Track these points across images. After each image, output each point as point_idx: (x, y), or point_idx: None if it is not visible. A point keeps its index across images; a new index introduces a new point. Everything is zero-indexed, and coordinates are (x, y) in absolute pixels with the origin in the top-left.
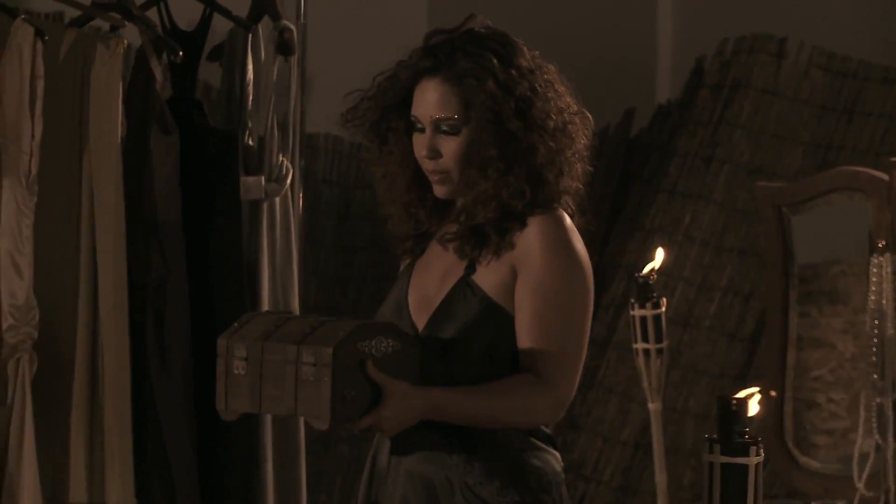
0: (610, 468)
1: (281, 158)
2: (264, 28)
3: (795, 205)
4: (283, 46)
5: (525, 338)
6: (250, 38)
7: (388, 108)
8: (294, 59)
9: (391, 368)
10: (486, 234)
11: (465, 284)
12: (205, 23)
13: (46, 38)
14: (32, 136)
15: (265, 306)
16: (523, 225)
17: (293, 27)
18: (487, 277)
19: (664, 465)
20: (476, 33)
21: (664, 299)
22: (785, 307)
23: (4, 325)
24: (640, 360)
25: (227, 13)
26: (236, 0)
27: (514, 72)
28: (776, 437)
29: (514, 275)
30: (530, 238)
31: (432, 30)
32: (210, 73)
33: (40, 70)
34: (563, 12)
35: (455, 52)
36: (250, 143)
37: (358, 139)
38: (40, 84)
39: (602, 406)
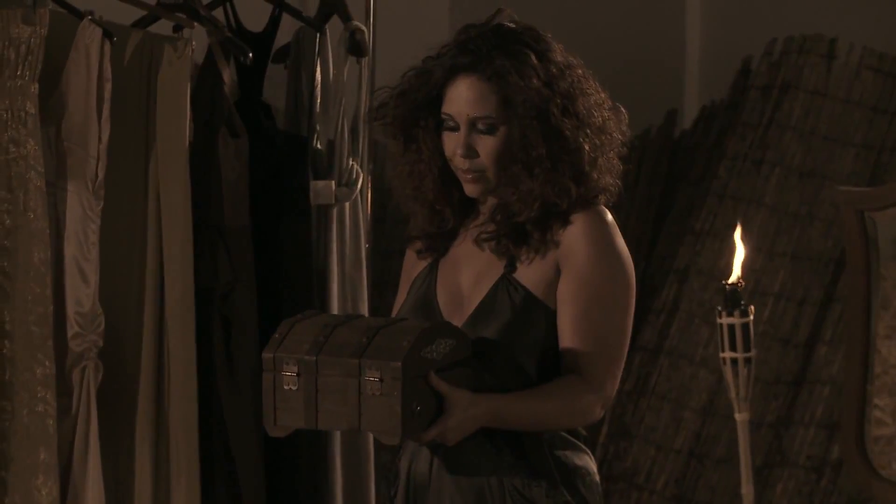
0: (664, 477)
1: (351, 162)
2: (333, 29)
3: (879, 209)
4: (356, 47)
5: (569, 336)
6: (318, 39)
7: (418, 105)
8: (365, 61)
9: (450, 372)
10: (528, 232)
11: (508, 282)
12: (273, 24)
13: (115, 39)
14: (100, 140)
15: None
16: (566, 222)
17: (364, 28)
18: (530, 275)
19: (751, 476)
20: (509, 29)
21: (752, 307)
22: (867, 312)
23: (70, 333)
24: (728, 369)
25: (296, 13)
26: (301, 1)
27: (552, 68)
28: (856, 445)
29: (557, 272)
30: (575, 235)
31: (464, 25)
32: (276, 76)
33: (108, 72)
34: (595, 13)
35: (491, 49)
36: (319, 146)
37: (387, 136)
38: (108, 87)
39: (654, 414)
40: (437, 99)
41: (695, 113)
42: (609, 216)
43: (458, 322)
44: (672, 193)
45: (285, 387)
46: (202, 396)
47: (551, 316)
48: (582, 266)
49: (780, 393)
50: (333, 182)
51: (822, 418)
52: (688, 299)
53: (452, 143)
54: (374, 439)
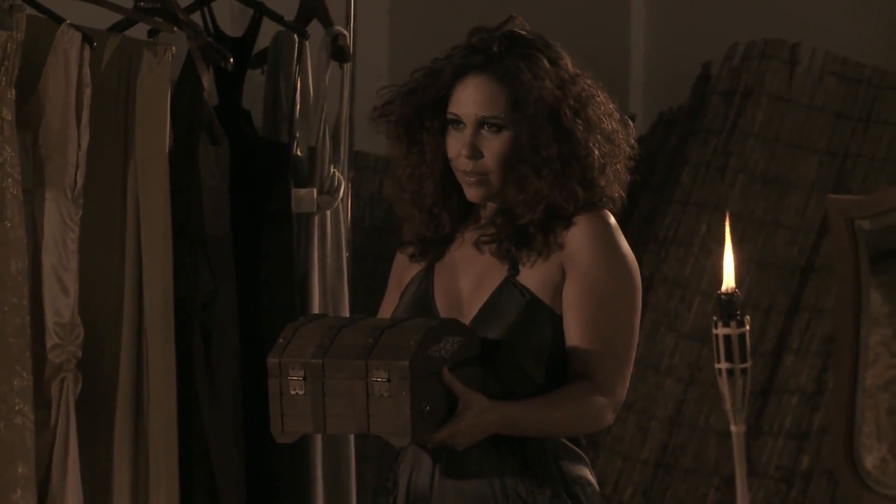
0: (630, 488)
1: (332, 170)
2: (312, 33)
3: (869, 218)
4: (339, 53)
5: (578, 340)
6: (297, 44)
7: (424, 105)
8: (346, 66)
9: (460, 371)
10: (530, 235)
11: (512, 285)
12: (253, 28)
13: (95, 44)
14: (79, 147)
15: None
16: (569, 224)
17: (346, 32)
18: (533, 277)
19: (746, 489)
20: (520, 34)
21: (748, 317)
22: (856, 324)
23: (49, 345)
24: (724, 380)
25: (278, 18)
26: (276, 4)
27: (563, 73)
28: (845, 457)
29: (562, 274)
30: (579, 237)
31: (474, 27)
32: (251, 81)
33: (87, 78)
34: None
35: (503, 50)
36: (299, 153)
37: (389, 137)
38: (87, 92)
39: (620, 424)
40: (443, 100)
41: (651, 119)
42: (612, 218)
43: None
44: (632, 200)
45: (292, 392)
46: (182, 407)
47: (557, 319)
48: (588, 268)
49: (747, 402)
50: (315, 190)
51: (790, 428)
52: (652, 308)
53: (457, 144)
54: (355, 447)
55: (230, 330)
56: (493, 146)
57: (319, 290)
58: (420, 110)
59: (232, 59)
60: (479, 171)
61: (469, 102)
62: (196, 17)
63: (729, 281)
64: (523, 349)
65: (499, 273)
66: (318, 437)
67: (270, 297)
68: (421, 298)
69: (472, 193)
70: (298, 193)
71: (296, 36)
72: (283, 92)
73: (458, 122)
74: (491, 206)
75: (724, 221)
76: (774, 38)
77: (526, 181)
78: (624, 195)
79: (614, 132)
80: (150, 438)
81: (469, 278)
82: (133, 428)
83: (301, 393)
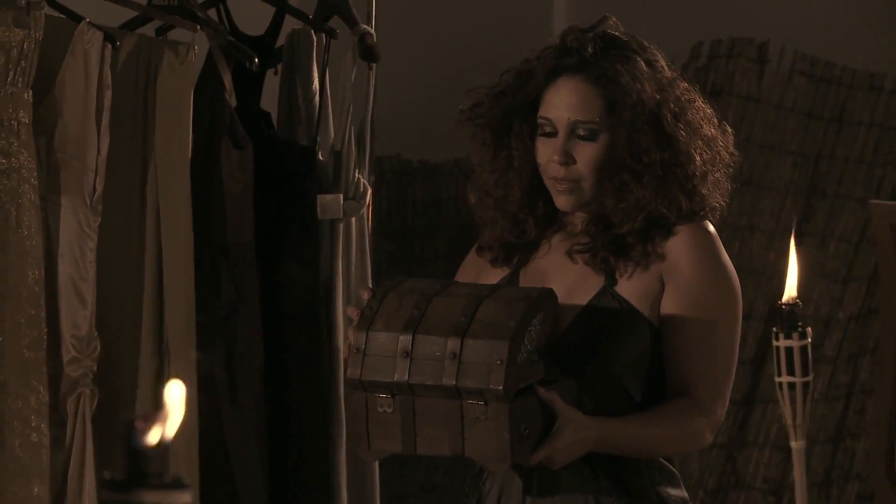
0: None
1: (357, 175)
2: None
3: None
4: (368, 52)
5: (678, 355)
6: (317, 43)
7: (513, 108)
8: (374, 68)
9: (553, 385)
10: (629, 245)
11: (610, 296)
12: (274, 26)
13: (119, 44)
14: (98, 152)
15: (340, 335)
16: (669, 233)
17: (373, 31)
18: (631, 288)
19: None
20: (615, 35)
21: (809, 329)
22: None
23: (66, 358)
24: (785, 394)
25: (302, 16)
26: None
27: (661, 76)
28: (886, 467)
29: (661, 285)
30: (681, 248)
31: (568, 27)
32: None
33: (108, 79)
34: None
35: (597, 52)
36: (321, 157)
37: (475, 141)
38: (108, 94)
39: None
40: (534, 104)
41: None
42: (713, 228)
43: (551, 337)
44: None
45: (379, 409)
46: (203, 424)
47: (654, 331)
48: (690, 282)
49: (730, 412)
50: (341, 196)
51: (776, 439)
52: None
53: (548, 150)
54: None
55: (253, 343)
56: (587, 152)
57: (344, 298)
58: (509, 113)
59: (257, 59)
60: (570, 177)
61: (562, 106)
62: (211, 14)
63: (791, 291)
64: (621, 362)
65: (594, 282)
66: (342, 456)
67: (295, 307)
68: None
69: (562, 201)
70: (324, 200)
71: (314, 34)
72: (300, 93)
73: (549, 126)
74: (578, 213)
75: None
76: (742, 36)
77: (626, 189)
78: (724, 205)
79: (714, 139)
80: (170, 457)
81: (560, 287)
82: None
83: (390, 411)
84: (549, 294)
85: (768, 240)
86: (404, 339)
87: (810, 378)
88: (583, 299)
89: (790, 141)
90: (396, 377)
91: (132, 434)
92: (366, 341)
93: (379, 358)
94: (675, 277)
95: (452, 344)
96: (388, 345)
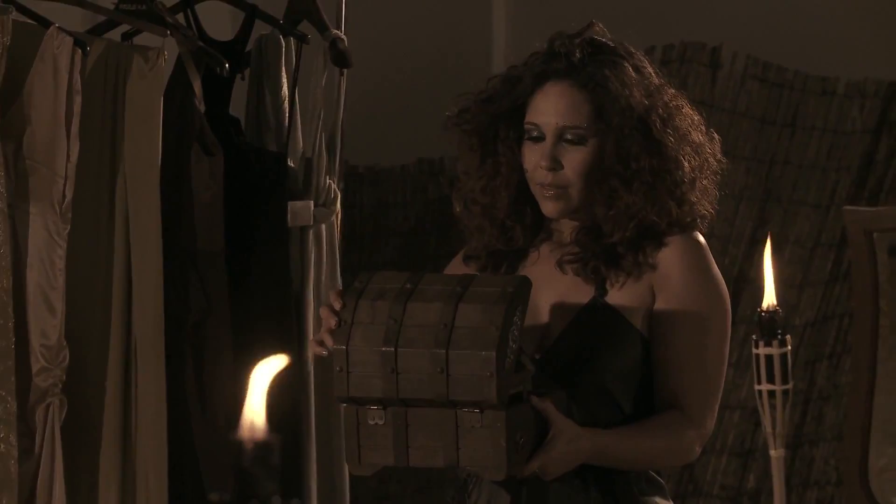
0: None
1: (328, 181)
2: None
3: (888, 231)
4: (340, 58)
5: (669, 368)
6: (289, 49)
7: (500, 114)
8: (345, 73)
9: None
10: (619, 255)
11: (601, 307)
12: (244, 32)
13: (89, 49)
14: (68, 158)
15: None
16: (660, 244)
17: (344, 37)
18: (622, 299)
19: None
20: (602, 41)
21: (789, 336)
22: (874, 340)
23: (35, 368)
24: (765, 402)
25: (272, 21)
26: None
27: (649, 82)
28: (859, 476)
29: (652, 296)
30: (672, 259)
31: (556, 32)
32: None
33: (78, 85)
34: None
35: (585, 57)
36: (291, 164)
37: (462, 147)
38: (77, 100)
39: None
40: (521, 109)
41: None
42: (704, 240)
43: (539, 348)
44: None
45: (370, 421)
46: (172, 434)
47: (645, 343)
48: (681, 294)
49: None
50: (311, 202)
51: (733, 445)
52: None
53: (535, 156)
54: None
55: (223, 350)
56: (575, 158)
57: (315, 305)
58: (496, 119)
59: (228, 65)
60: (558, 184)
61: (549, 111)
62: (179, 19)
63: (770, 298)
64: (612, 374)
65: (584, 293)
66: (313, 465)
67: (266, 314)
68: None
69: (549, 208)
70: (295, 206)
71: (283, 39)
72: (268, 99)
73: (536, 131)
74: (566, 221)
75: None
76: (694, 41)
77: (615, 195)
78: (714, 213)
79: (701, 145)
80: (139, 466)
81: (550, 297)
82: (121, 455)
83: (381, 423)
84: (524, 283)
85: (723, 245)
86: (387, 354)
87: (790, 386)
88: (573, 310)
89: (744, 146)
90: (386, 393)
91: (240, 453)
92: (347, 358)
93: (364, 376)
94: (666, 289)
95: (437, 357)
96: (371, 360)
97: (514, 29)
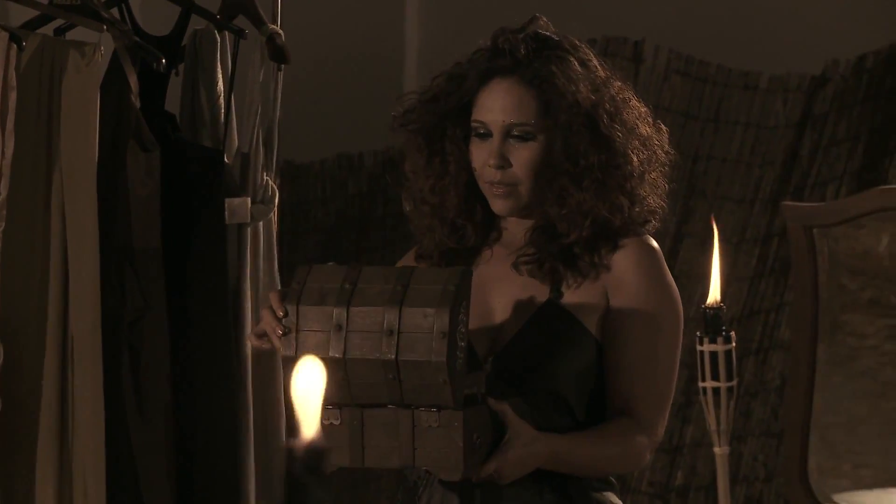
0: None
1: (265, 178)
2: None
3: (828, 227)
4: (278, 54)
5: (622, 373)
6: (231, 44)
7: (446, 113)
8: (282, 69)
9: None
10: (575, 255)
11: (556, 308)
12: (180, 26)
13: (24, 44)
14: (3, 154)
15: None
16: (615, 246)
17: (281, 32)
18: (577, 300)
19: None
20: (546, 35)
21: (734, 333)
22: (814, 336)
23: None
24: (709, 400)
25: (208, 15)
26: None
27: (595, 75)
28: (799, 475)
29: (606, 299)
30: (626, 263)
31: (499, 28)
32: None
33: (13, 80)
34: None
35: (530, 53)
36: (228, 160)
37: (409, 147)
38: (13, 96)
39: None
40: (467, 107)
41: None
42: (656, 244)
43: (492, 350)
44: None
45: (325, 422)
46: (110, 432)
47: (599, 347)
48: (634, 299)
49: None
50: (249, 199)
51: (662, 442)
52: None
53: (483, 154)
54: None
55: (160, 349)
56: (523, 155)
57: (252, 303)
58: (442, 118)
59: (164, 60)
60: (506, 181)
61: (496, 108)
62: (113, 13)
63: (715, 294)
64: (566, 379)
65: (539, 294)
66: (251, 462)
67: (203, 312)
68: None
69: (498, 205)
70: (232, 203)
71: (217, 34)
72: (203, 95)
73: (483, 129)
74: (517, 220)
75: (712, 231)
76: (616, 35)
77: (566, 194)
78: (665, 206)
79: (649, 137)
80: (76, 466)
81: (503, 298)
82: (58, 454)
83: (337, 423)
84: (464, 276)
85: None
86: (336, 361)
87: (735, 383)
88: (527, 312)
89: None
90: (341, 399)
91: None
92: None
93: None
94: (619, 293)
95: (388, 364)
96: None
97: (426, 24)
